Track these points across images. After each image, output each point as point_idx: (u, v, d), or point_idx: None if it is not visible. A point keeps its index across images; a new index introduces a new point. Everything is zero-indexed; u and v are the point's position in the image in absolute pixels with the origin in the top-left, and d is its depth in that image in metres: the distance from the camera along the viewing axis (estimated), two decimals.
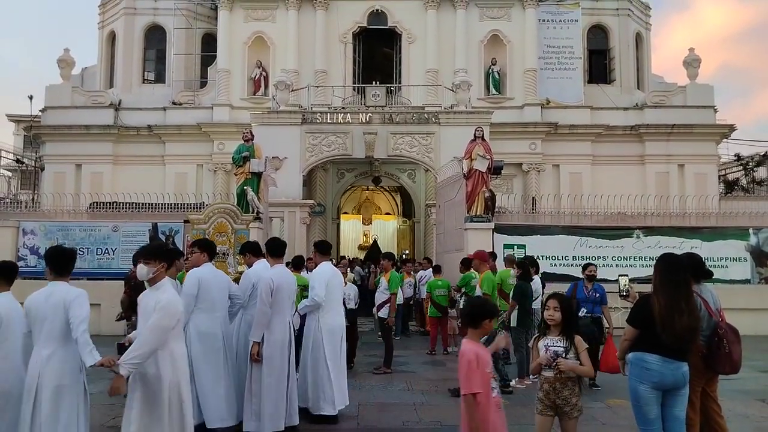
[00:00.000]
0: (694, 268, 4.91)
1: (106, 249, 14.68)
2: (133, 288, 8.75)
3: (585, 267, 9.25)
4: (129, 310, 8.48)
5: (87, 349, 4.27)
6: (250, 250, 7.05)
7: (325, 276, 6.87)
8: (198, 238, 7.75)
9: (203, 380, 5.90)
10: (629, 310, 4.65)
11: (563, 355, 4.23)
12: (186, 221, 13.06)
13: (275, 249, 6.56)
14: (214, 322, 6.01)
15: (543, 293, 9.74)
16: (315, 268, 7.31)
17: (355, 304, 10.18)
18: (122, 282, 8.79)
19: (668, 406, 4.34)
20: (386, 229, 29.07)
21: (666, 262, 4.52)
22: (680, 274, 4.44)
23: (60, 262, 4.62)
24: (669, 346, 4.26)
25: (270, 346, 6.06)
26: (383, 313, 10.30)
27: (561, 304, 4.34)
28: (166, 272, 4.73)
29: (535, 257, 11.37)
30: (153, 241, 14.65)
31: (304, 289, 7.74)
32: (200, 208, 15.42)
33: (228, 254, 7.72)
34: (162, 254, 4.69)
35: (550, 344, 4.30)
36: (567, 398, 4.24)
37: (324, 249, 7.34)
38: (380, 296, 10.60)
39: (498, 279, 10.71)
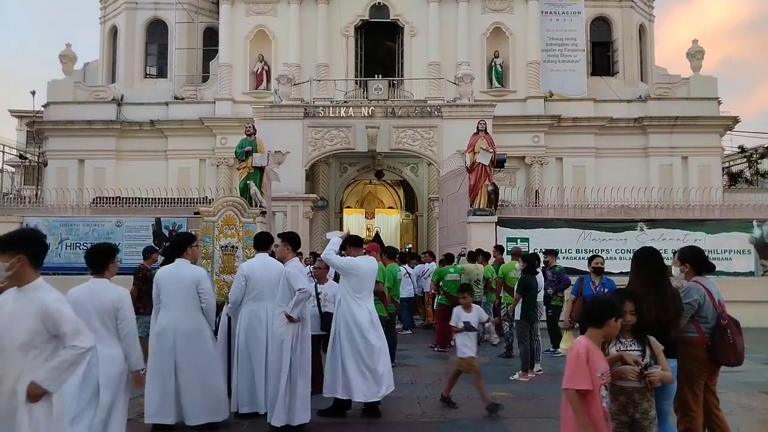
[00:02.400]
0: (697, 260, 4.92)
1: None
2: (142, 280, 8.86)
3: (591, 259, 8.83)
4: (137, 302, 8.60)
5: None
6: (255, 242, 6.92)
7: (358, 262, 6.85)
8: (206, 230, 7.78)
9: (151, 375, 5.99)
10: None
11: (642, 361, 3.86)
12: (196, 213, 13.24)
13: (297, 242, 6.62)
14: (168, 320, 6.02)
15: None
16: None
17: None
18: (126, 276, 8.84)
19: (656, 400, 4.34)
20: (389, 223, 29.06)
21: (637, 257, 4.63)
22: (650, 268, 4.47)
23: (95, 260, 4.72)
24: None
25: (298, 339, 6.12)
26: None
27: (636, 305, 4.01)
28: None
29: (540, 250, 11.37)
30: (156, 236, 14.69)
31: None
32: (203, 202, 15.42)
33: (237, 247, 7.72)
34: (20, 244, 3.41)
35: (624, 350, 3.92)
36: (646, 411, 3.83)
37: (358, 243, 7.22)
38: None
39: (501, 272, 10.76)
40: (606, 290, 8.44)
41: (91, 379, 4.48)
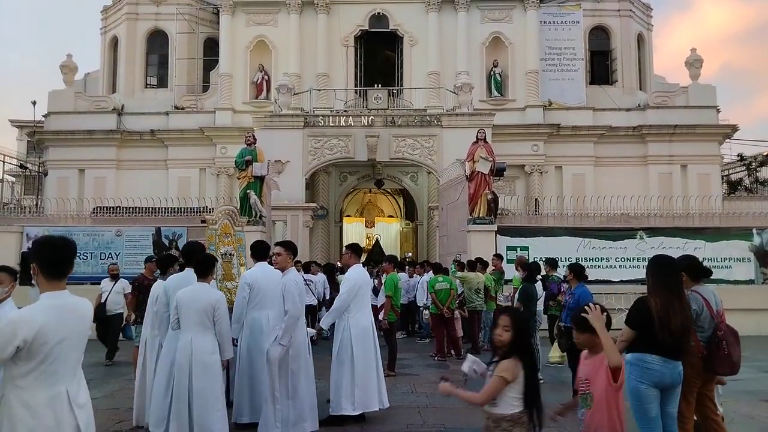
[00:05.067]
0: (692, 269, 4.95)
1: (110, 253, 14.71)
2: (138, 289, 8.88)
3: None
4: (135, 311, 8.63)
5: None
6: (252, 251, 6.83)
7: (356, 278, 7.02)
8: (210, 238, 7.84)
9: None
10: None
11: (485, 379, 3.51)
12: (203, 221, 13.43)
13: (295, 250, 6.73)
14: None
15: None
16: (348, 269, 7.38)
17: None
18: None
19: (663, 404, 4.43)
20: (389, 232, 29.07)
21: (658, 264, 4.58)
22: (672, 275, 4.50)
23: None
24: (667, 345, 4.31)
25: (298, 346, 6.12)
26: (382, 315, 10.28)
27: (513, 322, 3.53)
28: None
29: (540, 259, 11.33)
30: (156, 246, 14.70)
31: None
32: (203, 212, 15.46)
33: (233, 254, 7.74)
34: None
35: (491, 372, 3.52)
36: None
37: (357, 251, 7.41)
38: (382, 299, 10.65)
39: (516, 283, 10.68)
40: (571, 300, 7.56)
41: (184, 366, 5.28)
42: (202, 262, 5.69)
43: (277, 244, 6.72)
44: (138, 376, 6.67)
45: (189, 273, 6.02)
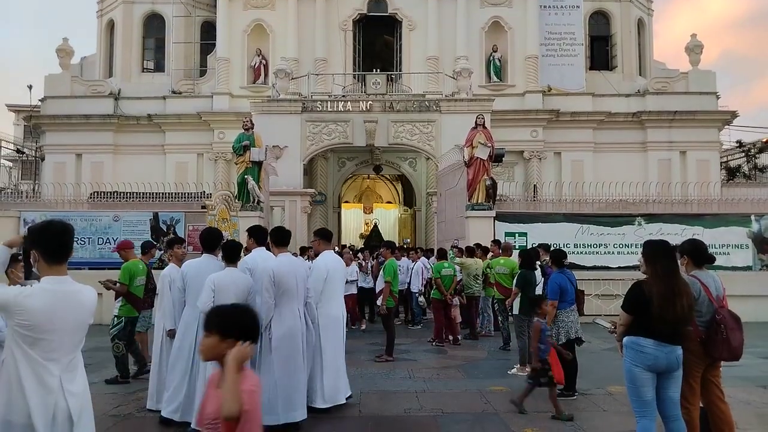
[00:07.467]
0: (696, 254, 4.93)
1: (108, 238, 14.67)
2: None
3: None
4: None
5: None
6: (254, 235, 6.57)
7: (324, 266, 6.78)
8: (210, 224, 7.81)
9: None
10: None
11: None
12: (203, 207, 13.53)
13: (281, 238, 6.38)
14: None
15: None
16: (316, 256, 7.16)
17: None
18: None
19: (663, 388, 4.43)
20: (387, 218, 29.07)
21: (655, 249, 4.55)
22: (672, 261, 4.49)
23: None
24: (664, 331, 4.31)
25: (280, 336, 5.95)
26: (380, 301, 10.29)
27: None
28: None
29: (537, 245, 11.33)
30: (154, 231, 14.68)
31: None
32: (201, 197, 15.44)
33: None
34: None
35: None
36: None
37: (326, 236, 7.18)
38: (381, 285, 10.64)
39: (485, 265, 10.75)
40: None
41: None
42: (230, 248, 5.96)
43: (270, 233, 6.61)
44: (154, 361, 6.68)
45: (206, 258, 6.10)
